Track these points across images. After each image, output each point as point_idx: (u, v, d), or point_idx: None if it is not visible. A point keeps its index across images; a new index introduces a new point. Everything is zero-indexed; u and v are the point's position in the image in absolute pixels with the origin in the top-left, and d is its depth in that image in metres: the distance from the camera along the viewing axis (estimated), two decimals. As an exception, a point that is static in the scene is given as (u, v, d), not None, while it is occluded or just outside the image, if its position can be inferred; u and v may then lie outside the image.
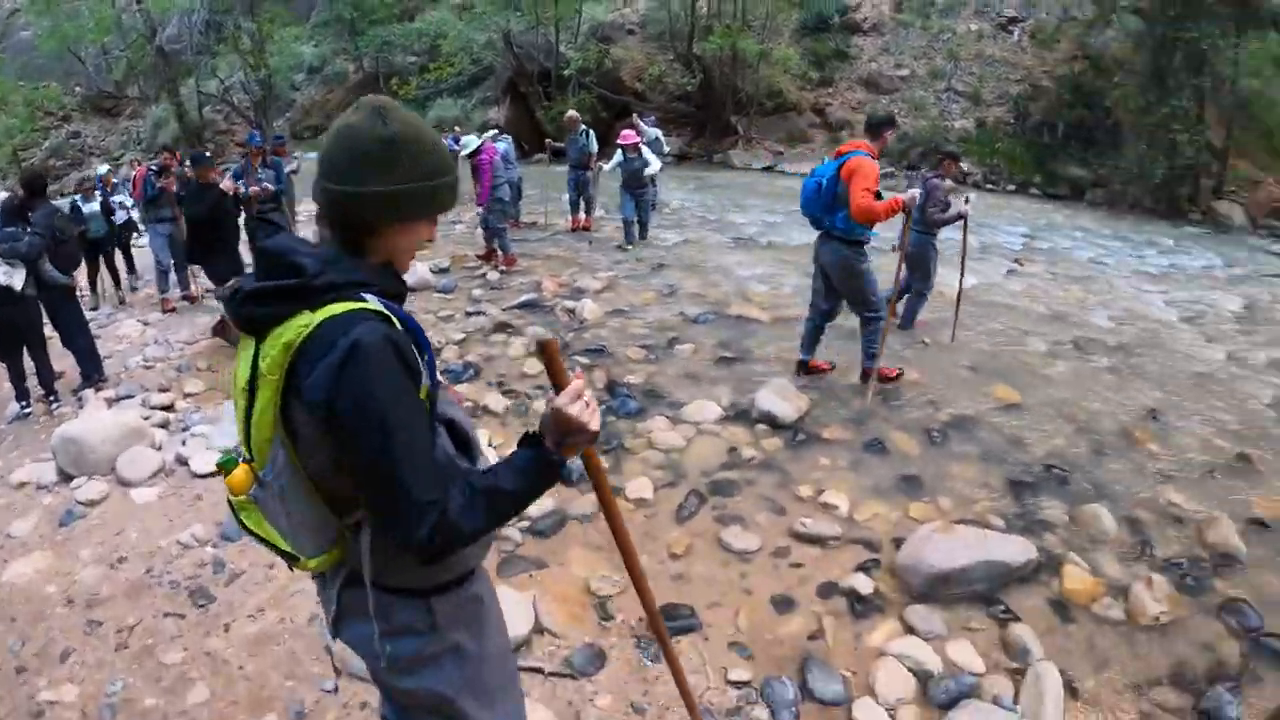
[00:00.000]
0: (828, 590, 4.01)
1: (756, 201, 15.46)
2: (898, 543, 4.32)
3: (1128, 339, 8.01)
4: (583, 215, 11.58)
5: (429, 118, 27.51)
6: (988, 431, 5.54)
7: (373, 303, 1.39)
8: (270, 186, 8.28)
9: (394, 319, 1.40)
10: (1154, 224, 16.53)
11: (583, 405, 1.45)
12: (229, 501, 1.52)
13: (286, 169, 9.83)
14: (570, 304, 8.07)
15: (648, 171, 9.94)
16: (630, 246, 10.35)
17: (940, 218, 6.36)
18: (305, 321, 1.35)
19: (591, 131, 11.29)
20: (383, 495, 1.35)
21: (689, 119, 23.40)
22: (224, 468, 1.49)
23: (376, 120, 1.41)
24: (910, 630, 3.75)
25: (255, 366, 1.38)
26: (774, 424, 5.49)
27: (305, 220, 12.35)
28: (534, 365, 6.50)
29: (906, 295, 6.90)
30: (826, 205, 4.94)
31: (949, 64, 21.70)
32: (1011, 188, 18.84)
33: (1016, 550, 4.13)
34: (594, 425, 1.46)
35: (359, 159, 1.40)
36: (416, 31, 27.75)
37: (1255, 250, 15.13)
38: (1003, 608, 3.93)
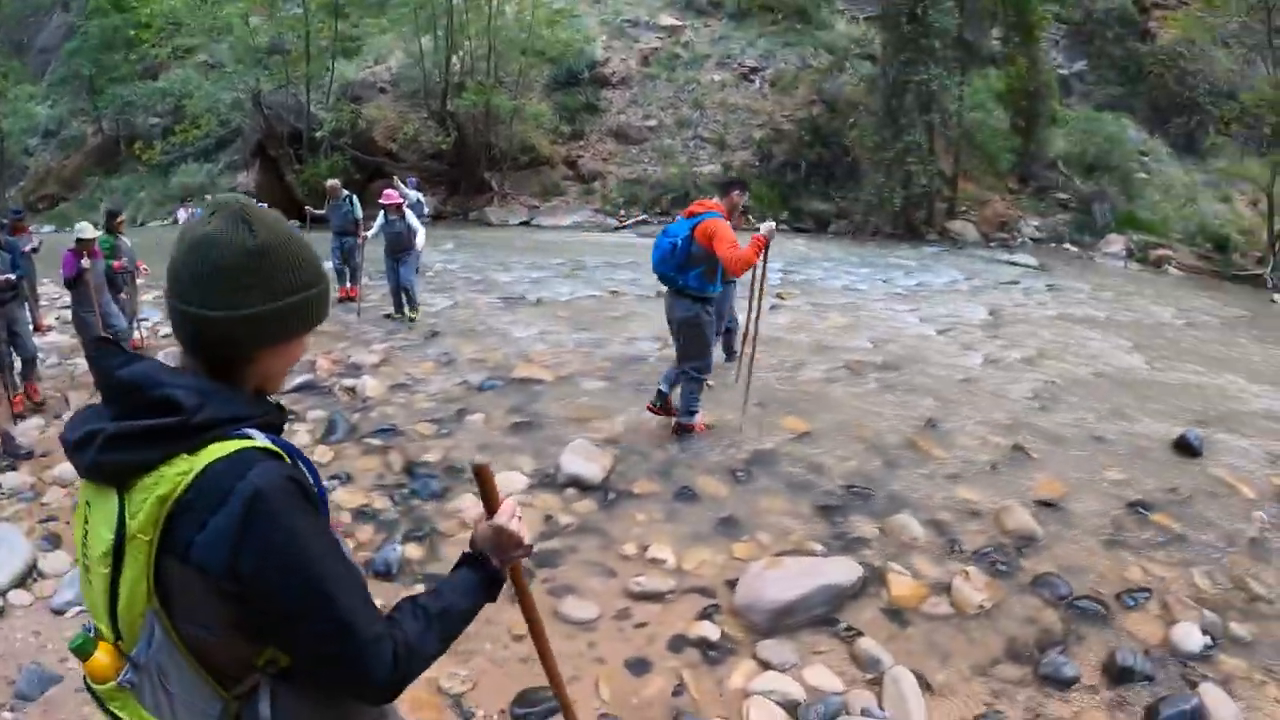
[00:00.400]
0: (678, 644, 4.09)
1: (518, 258, 16.09)
2: (731, 584, 4.52)
3: (893, 357, 9.10)
4: (348, 284, 11.71)
5: (172, 185, 26.38)
6: (788, 463, 5.99)
7: (259, 439, 1.30)
8: (10, 276, 7.36)
9: (285, 455, 1.33)
10: (896, 248, 19.46)
11: (517, 521, 1.56)
12: (91, 691, 1.35)
13: (24, 247, 9.14)
14: (349, 382, 7.95)
15: (418, 243, 10.14)
16: (400, 315, 10.46)
17: None
18: (184, 469, 1.23)
19: (354, 197, 11.54)
20: (329, 647, 1.27)
21: (443, 177, 24.31)
22: (80, 652, 1.33)
23: (240, 228, 1.31)
24: (766, 665, 3.93)
25: (121, 526, 1.24)
26: (582, 486, 5.67)
27: (47, 306, 11.95)
28: (325, 454, 6.39)
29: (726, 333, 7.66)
30: (680, 265, 5.44)
31: (695, 113, 24.70)
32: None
33: (843, 570, 4.52)
34: (528, 539, 1.58)
35: (226, 278, 1.30)
36: (160, 91, 27.25)
37: (990, 262, 18.42)
38: (844, 626, 4.25)
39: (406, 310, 10.60)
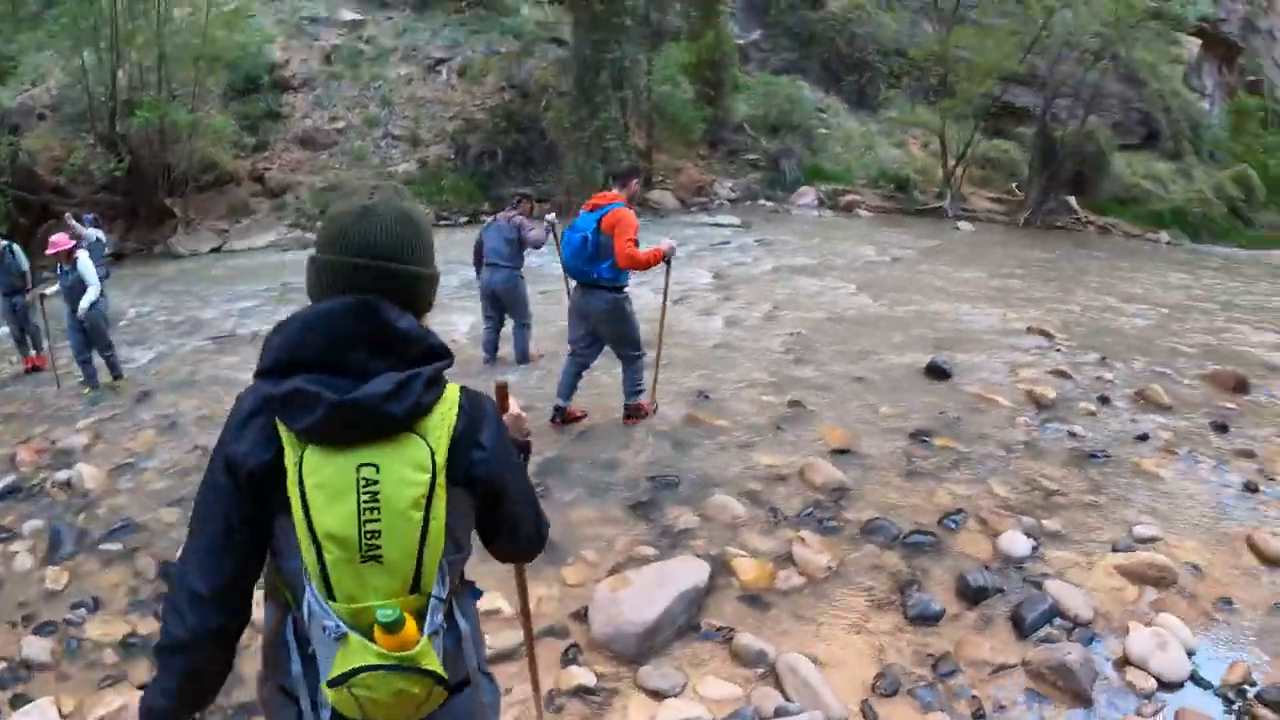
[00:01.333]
0: (555, 699, 3.65)
1: (218, 290, 14.25)
2: (581, 616, 4.18)
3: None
4: (32, 351, 10.09)
5: None
6: (580, 467, 5.76)
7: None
8: None
9: None
10: None
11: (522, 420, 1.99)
12: (394, 668, 1.41)
13: None
14: (62, 475, 6.33)
15: (85, 301, 8.32)
16: (95, 387, 8.63)
17: (537, 239, 7.78)
18: (450, 403, 1.52)
19: (14, 246, 9.95)
20: (535, 512, 1.78)
21: (118, 209, 21.44)
22: (395, 626, 1.41)
23: (411, 202, 1.66)
24: (658, 695, 3.65)
25: (433, 465, 1.44)
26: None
27: None
28: (57, 577, 5.06)
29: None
30: (591, 257, 5.66)
31: (384, 110, 23.95)
32: (464, 219, 21.04)
33: (692, 570, 4.35)
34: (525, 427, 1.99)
35: (425, 239, 1.64)
36: None
37: (695, 226, 19.61)
38: (714, 627, 4.10)
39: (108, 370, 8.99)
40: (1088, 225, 24.06)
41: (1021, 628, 4.19)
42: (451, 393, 1.53)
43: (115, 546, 5.33)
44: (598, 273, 5.67)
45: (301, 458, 1.40)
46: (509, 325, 8.24)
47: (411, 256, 1.57)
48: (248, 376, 6.94)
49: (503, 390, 1.98)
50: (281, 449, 1.43)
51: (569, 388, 6.31)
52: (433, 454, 1.43)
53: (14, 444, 7.34)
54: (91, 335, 8.60)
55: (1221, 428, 6.97)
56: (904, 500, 5.33)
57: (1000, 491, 5.53)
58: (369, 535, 1.40)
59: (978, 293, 12.06)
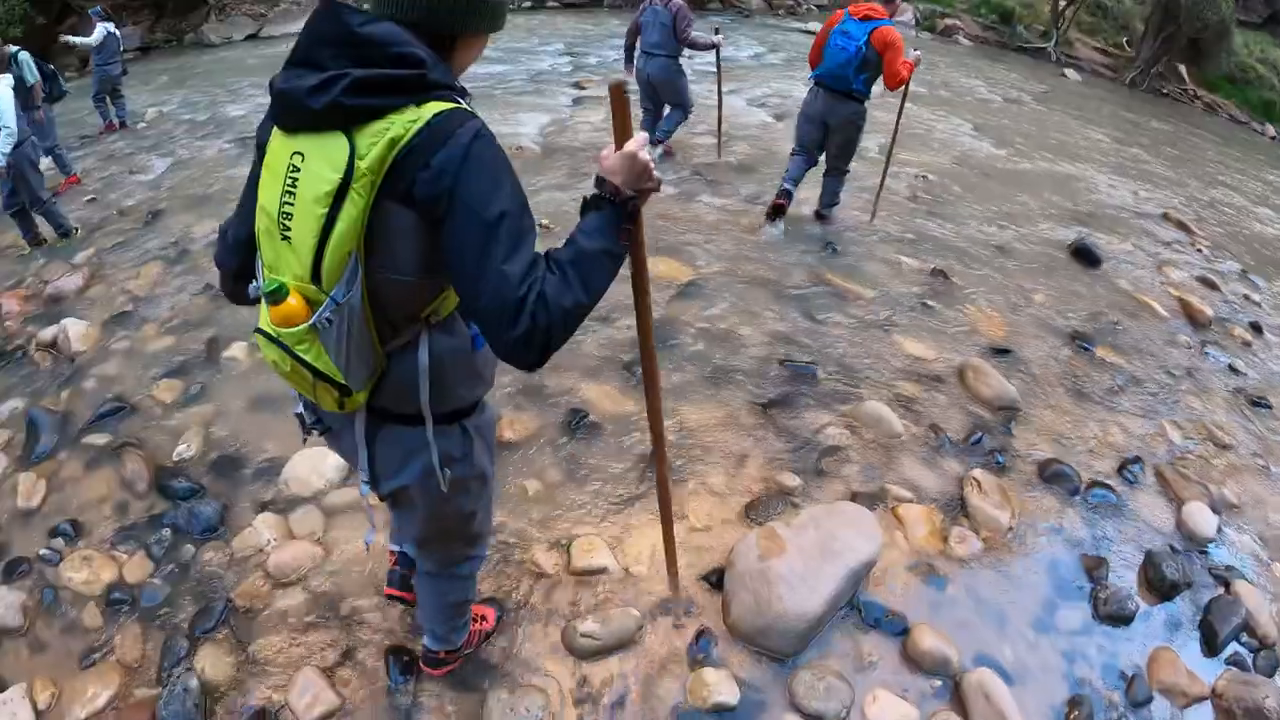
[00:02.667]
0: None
1: (251, 82, 11.79)
2: (713, 583, 2.92)
3: (745, 158, 7.62)
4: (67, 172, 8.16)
5: None
6: (687, 339, 4.33)
7: (465, 106, 1.44)
8: None
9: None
10: None
11: (647, 152, 1.54)
12: (270, 338, 1.49)
13: None
14: (48, 332, 4.75)
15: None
16: (36, 244, 6.42)
17: (696, 40, 6.62)
18: (412, 117, 1.37)
19: (25, 56, 7.60)
20: (490, 286, 1.38)
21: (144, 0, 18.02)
22: (275, 296, 1.44)
23: None
24: None
25: (350, 166, 1.35)
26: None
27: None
28: (32, 488, 3.63)
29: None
30: (857, 68, 5.37)
31: None
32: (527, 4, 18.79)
33: (861, 529, 3.06)
34: (656, 173, 1.57)
35: None
36: None
37: (785, 32, 17.19)
38: (880, 611, 2.93)
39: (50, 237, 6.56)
40: (1195, 99, 20.90)
41: (1213, 642, 3.26)
42: (429, 109, 1.38)
43: (100, 440, 3.81)
44: (857, 83, 5.42)
45: (270, 140, 1.48)
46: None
47: None
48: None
49: (618, 93, 1.60)
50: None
51: (797, 180, 6.00)
52: (353, 157, 1.35)
53: (2, 290, 5.54)
54: (18, 187, 6.17)
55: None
56: (1076, 431, 4.10)
57: (1175, 437, 4.32)
58: (284, 215, 1.43)
59: (1105, 158, 10.22)
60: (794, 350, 4.16)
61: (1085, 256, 5.97)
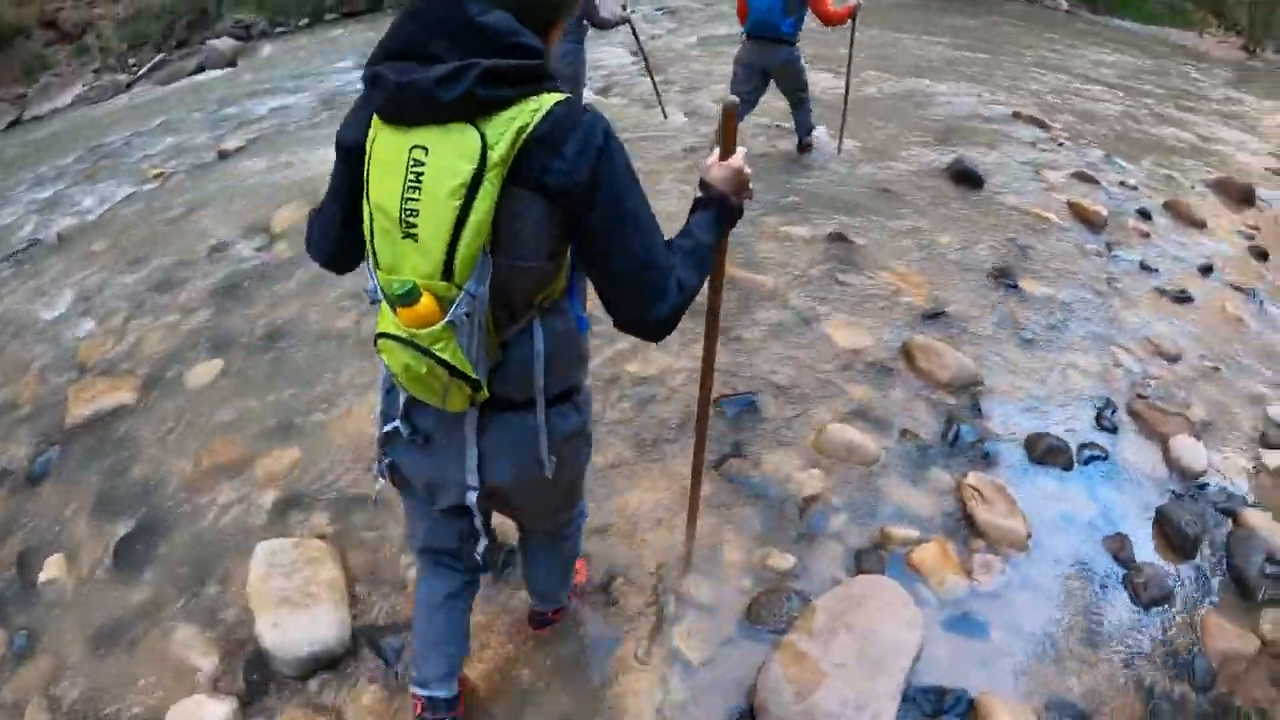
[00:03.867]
0: None
1: (15, 178, 9.17)
2: None
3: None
4: None
5: None
6: (615, 402, 3.58)
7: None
8: None
9: None
10: None
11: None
12: (403, 341, 1.45)
13: None
14: None
15: None
16: None
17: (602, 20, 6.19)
18: (535, 106, 1.37)
19: None
20: (643, 277, 1.48)
21: None
22: (408, 298, 1.41)
23: None
24: None
25: (483, 157, 1.35)
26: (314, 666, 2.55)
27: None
28: None
29: None
30: (784, 12, 5.55)
31: None
32: None
33: (895, 610, 2.60)
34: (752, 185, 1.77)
35: None
36: None
37: None
38: (933, 706, 2.41)
39: None
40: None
41: (1246, 588, 3.06)
42: (548, 99, 1.39)
43: None
44: (784, 27, 5.64)
45: (375, 137, 1.44)
46: None
47: None
48: (54, 316, 5.04)
49: (729, 115, 1.73)
50: (369, 129, 1.45)
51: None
52: (485, 147, 1.35)
53: None
54: None
55: (1262, 255, 6.05)
56: (1041, 388, 3.76)
57: (1128, 363, 4.08)
58: (408, 213, 1.40)
59: (935, 66, 10.05)
60: (722, 381, 3.49)
61: (968, 179, 5.63)
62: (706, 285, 1.91)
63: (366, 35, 12.09)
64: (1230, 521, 3.43)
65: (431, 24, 1.39)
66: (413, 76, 1.36)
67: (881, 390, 3.55)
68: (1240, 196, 6.89)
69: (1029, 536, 3.01)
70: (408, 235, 1.41)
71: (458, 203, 1.37)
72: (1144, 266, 5.11)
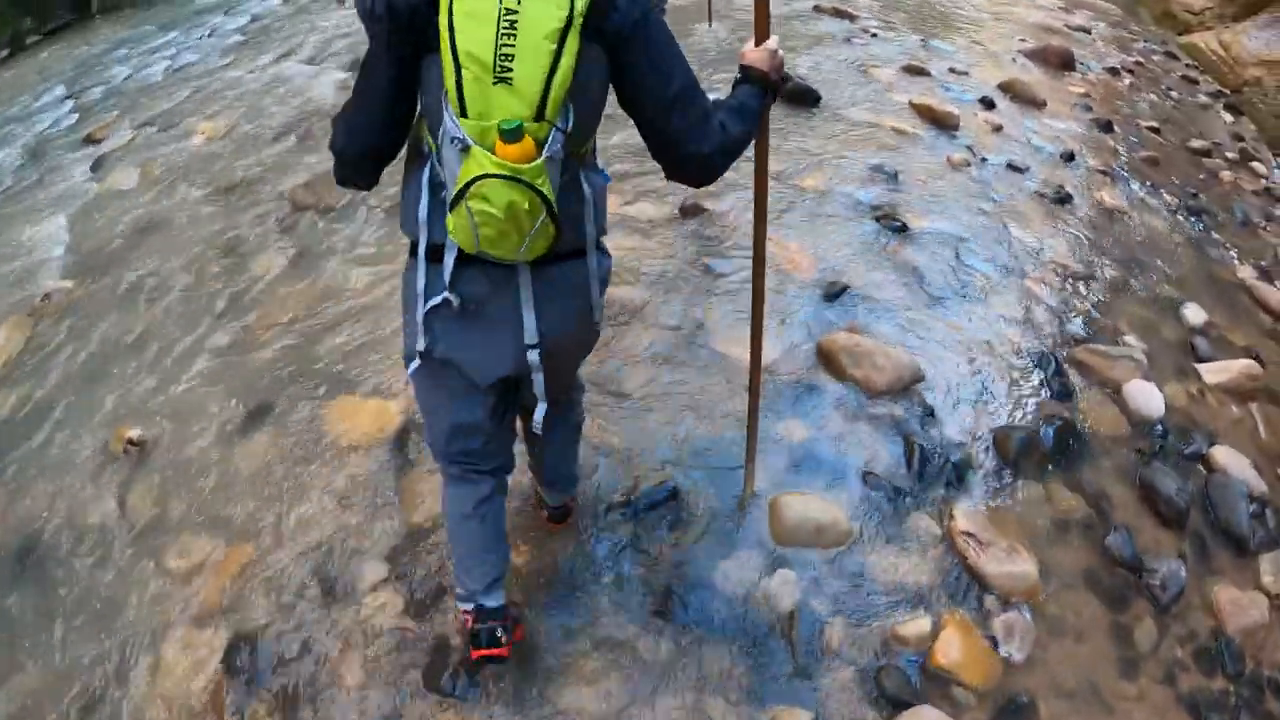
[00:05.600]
0: None
1: None
2: None
3: None
4: None
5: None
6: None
7: None
8: None
9: None
10: None
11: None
12: (509, 178, 1.50)
13: None
14: None
15: None
16: None
17: None
18: None
19: None
20: (686, 109, 1.65)
21: None
22: (515, 135, 1.49)
23: None
24: None
25: (571, 9, 1.49)
26: None
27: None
28: None
29: None
30: None
31: None
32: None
33: None
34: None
35: None
36: None
37: None
38: None
39: None
40: None
41: (1240, 541, 2.93)
42: None
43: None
44: None
45: None
46: None
47: None
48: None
49: (762, 2, 1.92)
50: None
51: None
52: (573, 1, 1.49)
53: None
54: None
55: (1106, 126, 5.81)
56: (982, 361, 3.24)
57: (1045, 295, 3.70)
58: (503, 58, 1.48)
59: None
60: (623, 471, 2.67)
61: (804, 98, 4.94)
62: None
63: (75, 53, 9.79)
64: (1203, 468, 3.19)
65: None
66: None
67: (816, 421, 2.87)
68: (1060, 62, 6.72)
69: (1040, 575, 2.48)
70: (500, 80, 1.50)
71: (553, 46, 1.49)
72: (1012, 167, 4.72)
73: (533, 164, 1.50)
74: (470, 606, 2.08)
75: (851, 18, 6.73)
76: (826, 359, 3.08)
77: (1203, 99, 7.67)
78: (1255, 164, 6.46)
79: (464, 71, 1.49)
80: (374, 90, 1.65)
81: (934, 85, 5.52)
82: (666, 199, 3.95)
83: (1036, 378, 3.27)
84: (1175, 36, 9.94)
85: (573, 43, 1.49)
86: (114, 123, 6.18)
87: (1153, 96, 7.03)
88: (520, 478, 2.48)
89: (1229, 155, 6.41)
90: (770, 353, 3.03)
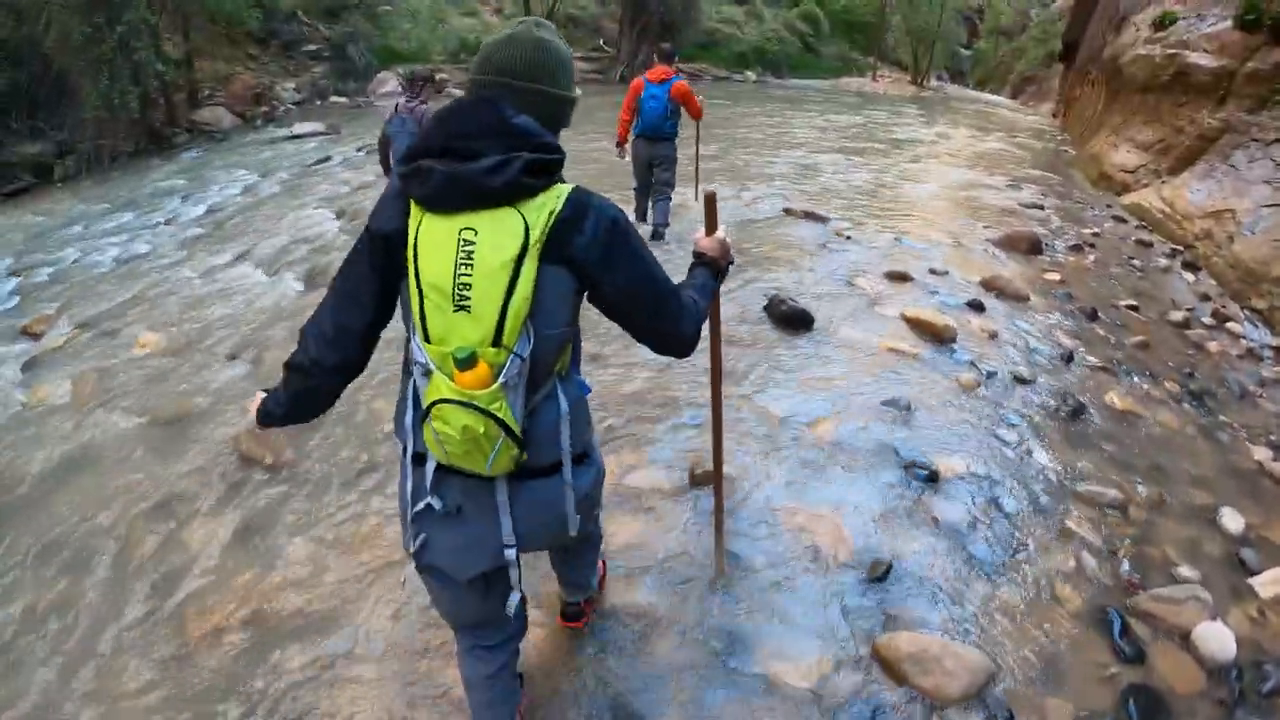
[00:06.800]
0: None
1: None
2: None
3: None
4: None
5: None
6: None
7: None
8: None
9: None
10: (148, 169, 12.67)
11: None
12: (463, 404, 1.55)
13: None
14: None
15: None
16: None
17: None
18: (558, 193, 1.62)
19: None
20: (664, 309, 1.78)
21: None
22: (469, 362, 1.55)
23: (553, 34, 1.77)
24: None
25: (526, 236, 1.56)
26: None
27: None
28: None
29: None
30: (664, 117, 6.51)
31: None
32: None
33: None
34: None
35: (565, 67, 1.76)
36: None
37: (270, 145, 13.29)
38: None
39: None
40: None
41: None
42: (563, 188, 1.63)
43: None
44: (668, 127, 6.52)
45: (420, 224, 1.59)
46: None
47: (544, 78, 1.71)
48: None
49: (710, 201, 2.16)
50: (409, 216, 1.61)
51: (644, 211, 7.00)
52: (527, 229, 1.55)
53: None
54: None
55: (1091, 314, 5.62)
56: (1046, 640, 2.77)
57: (1087, 535, 3.29)
58: (461, 286, 1.56)
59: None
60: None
61: (795, 322, 4.69)
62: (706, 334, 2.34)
63: (31, 222, 9.42)
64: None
65: (471, 125, 1.60)
66: (461, 167, 1.56)
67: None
68: (1029, 248, 6.60)
69: None
70: (460, 308, 1.57)
71: (508, 275, 1.56)
72: (1019, 379, 4.42)
73: (487, 390, 1.56)
74: None
75: (822, 219, 6.60)
76: (887, 667, 2.61)
77: (1161, 261, 7.58)
78: (1230, 324, 6.27)
79: (426, 300, 1.57)
80: (351, 303, 1.71)
81: (920, 292, 5.30)
82: (674, 468, 3.51)
83: (1105, 644, 2.83)
84: (1116, 198, 10.06)
85: (529, 269, 1.56)
86: (54, 317, 5.77)
87: (1118, 269, 6.92)
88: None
89: (1205, 321, 6.21)
90: (823, 667, 2.58)
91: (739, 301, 5.05)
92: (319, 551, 3.17)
